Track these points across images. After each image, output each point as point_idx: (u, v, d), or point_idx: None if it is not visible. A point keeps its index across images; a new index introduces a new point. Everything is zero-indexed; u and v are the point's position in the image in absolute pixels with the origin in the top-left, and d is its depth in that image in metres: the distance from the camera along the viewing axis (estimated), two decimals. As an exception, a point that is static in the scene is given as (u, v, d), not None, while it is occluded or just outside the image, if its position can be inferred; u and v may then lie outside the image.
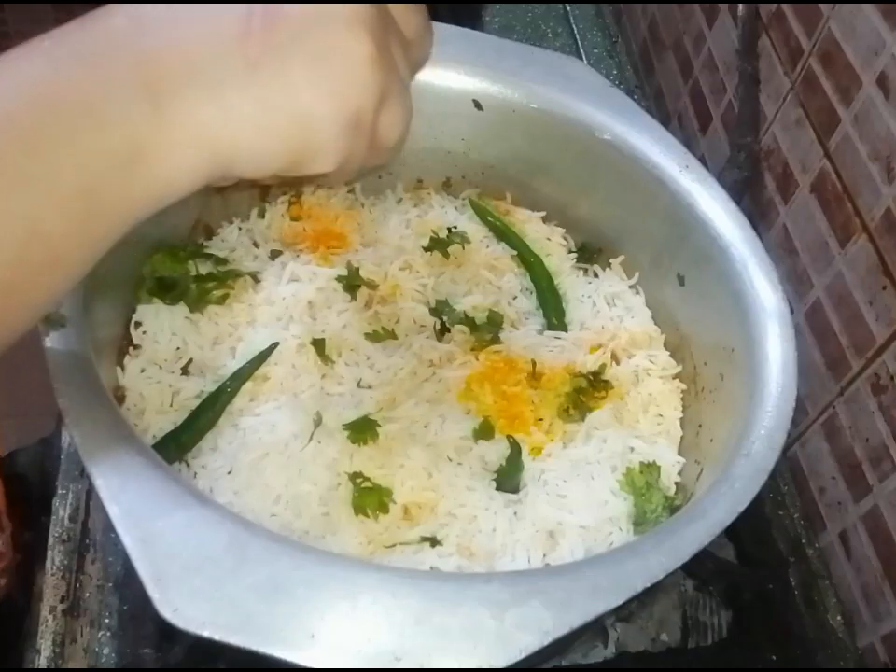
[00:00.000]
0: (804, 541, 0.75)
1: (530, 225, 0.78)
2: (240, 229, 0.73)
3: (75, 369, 0.50)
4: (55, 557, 0.63)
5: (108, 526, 0.48)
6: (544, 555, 0.59)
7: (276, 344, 0.65)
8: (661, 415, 0.68)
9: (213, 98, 0.33)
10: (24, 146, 0.31)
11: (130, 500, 0.44)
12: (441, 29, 0.73)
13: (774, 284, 0.62)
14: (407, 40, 0.39)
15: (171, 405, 0.62)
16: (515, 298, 0.74)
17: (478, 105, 0.73)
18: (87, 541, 0.63)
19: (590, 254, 0.78)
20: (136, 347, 0.64)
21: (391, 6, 0.38)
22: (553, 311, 0.73)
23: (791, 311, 0.62)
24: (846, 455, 0.71)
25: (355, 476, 0.59)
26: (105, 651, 0.60)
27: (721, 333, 0.65)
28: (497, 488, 0.61)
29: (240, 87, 0.33)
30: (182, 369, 0.64)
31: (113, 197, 0.33)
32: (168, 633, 0.44)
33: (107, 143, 0.32)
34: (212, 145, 0.34)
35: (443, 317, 0.70)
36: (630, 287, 0.75)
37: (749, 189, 0.81)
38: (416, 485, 0.59)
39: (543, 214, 0.79)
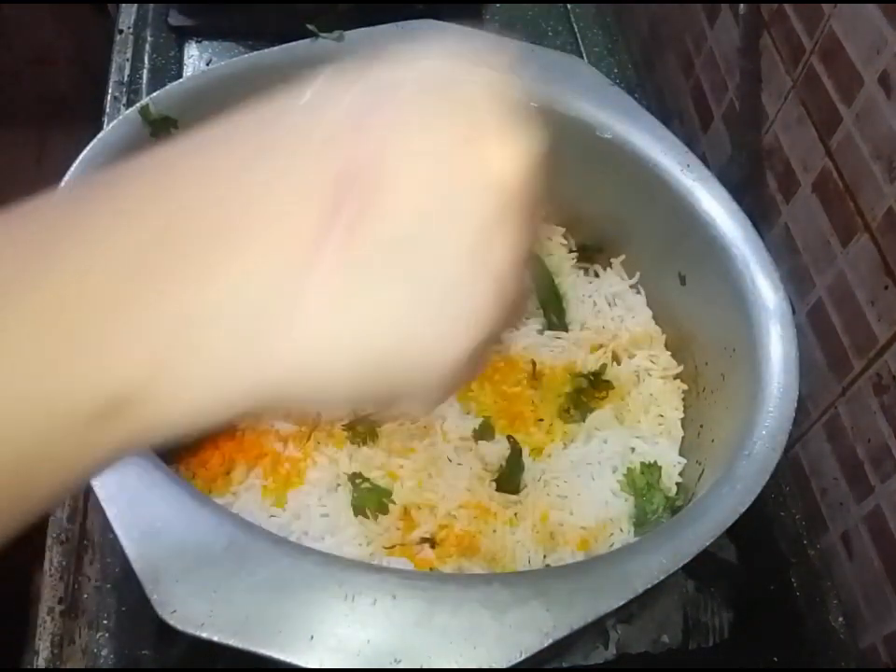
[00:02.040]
0: (805, 542, 0.74)
1: (530, 224, 0.78)
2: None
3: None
4: (53, 558, 0.62)
5: (107, 527, 0.48)
6: (544, 556, 0.58)
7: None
8: (662, 416, 0.68)
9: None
10: None
11: (128, 501, 0.44)
12: (440, 27, 0.74)
13: (775, 283, 0.62)
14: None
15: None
16: (516, 297, 0.74)
17: (478, 104, 0.73)
18: (85, 542, 0.63)
19: (590, 254, 0.77)
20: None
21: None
22: (553, 311, 0.73)
23: (793, 310, 0.62)
24: (847, 455, 0.71)
25: (354, 476, 0.59)
26: (104, 651, 0.59)
27: (723, 333, 0.64)
28: (498, 489, 0.61)
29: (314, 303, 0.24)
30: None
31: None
32: (167, 634, 0.44)
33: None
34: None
35: (443, 317, 0.70)
36: (631, 286, 0.75)
37: (751, 188, 0.81)
38: (416, 486, 0.59)
39: (543, 214, 0.79)
